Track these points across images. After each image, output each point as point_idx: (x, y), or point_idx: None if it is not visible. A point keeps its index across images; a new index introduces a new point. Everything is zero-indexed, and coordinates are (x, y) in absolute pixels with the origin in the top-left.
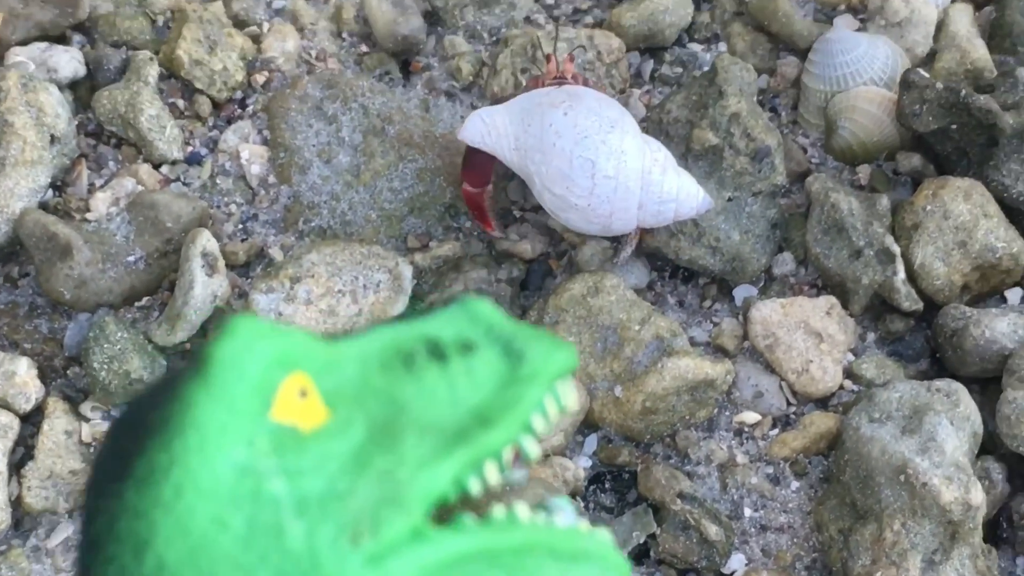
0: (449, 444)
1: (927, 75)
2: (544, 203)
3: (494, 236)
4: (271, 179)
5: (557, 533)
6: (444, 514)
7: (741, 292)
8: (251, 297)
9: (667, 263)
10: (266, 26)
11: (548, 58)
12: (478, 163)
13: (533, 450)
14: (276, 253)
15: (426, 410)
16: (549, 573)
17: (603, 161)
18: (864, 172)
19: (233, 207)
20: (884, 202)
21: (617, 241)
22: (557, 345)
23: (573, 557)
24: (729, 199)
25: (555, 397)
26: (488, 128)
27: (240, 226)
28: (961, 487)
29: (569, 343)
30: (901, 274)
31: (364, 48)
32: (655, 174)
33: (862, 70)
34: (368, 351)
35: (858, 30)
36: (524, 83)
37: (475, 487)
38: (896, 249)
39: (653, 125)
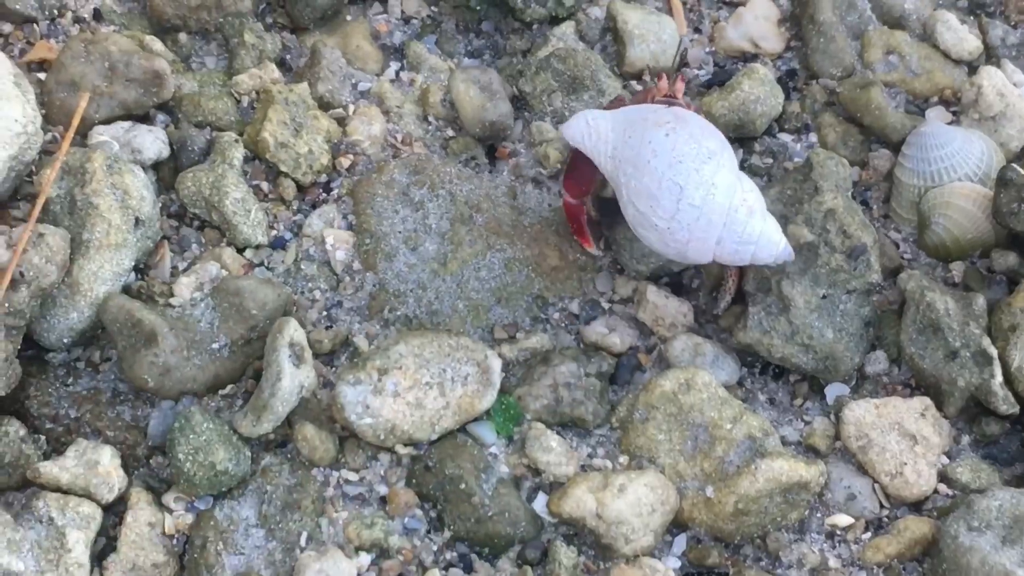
0: None
1: None
2: (627, 216)
3: (592, 252)
4: (356, 265)
5: None
6: None
7: (833, 391)
8: (338, 389)
9: (757, 359)
10: (351, 108)
11: (660, 76)
12: (580, 172)
13: None
14: (361, 342)
15: None
16: None
17: (691, 189)
18: (958, 269)
19: (317, 293)
20: (980, 302)
21: (715, 292)
22: None
23: None
24: (823, 296)
25: None
26: (591, 130)
27: (324, 313)
28: None
29: None
30: (999, 377)
31: (450, 132)
32: (741, 214)
33: (957, 165)
34: None
35: (950, 123)
36: (633, 95)
37: None
38: (993, 351)
39: None
